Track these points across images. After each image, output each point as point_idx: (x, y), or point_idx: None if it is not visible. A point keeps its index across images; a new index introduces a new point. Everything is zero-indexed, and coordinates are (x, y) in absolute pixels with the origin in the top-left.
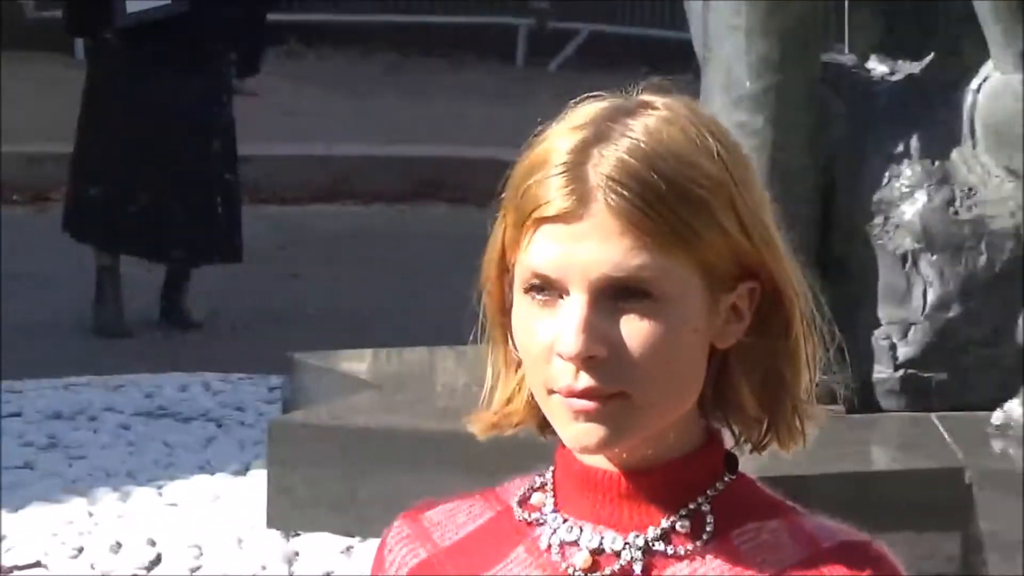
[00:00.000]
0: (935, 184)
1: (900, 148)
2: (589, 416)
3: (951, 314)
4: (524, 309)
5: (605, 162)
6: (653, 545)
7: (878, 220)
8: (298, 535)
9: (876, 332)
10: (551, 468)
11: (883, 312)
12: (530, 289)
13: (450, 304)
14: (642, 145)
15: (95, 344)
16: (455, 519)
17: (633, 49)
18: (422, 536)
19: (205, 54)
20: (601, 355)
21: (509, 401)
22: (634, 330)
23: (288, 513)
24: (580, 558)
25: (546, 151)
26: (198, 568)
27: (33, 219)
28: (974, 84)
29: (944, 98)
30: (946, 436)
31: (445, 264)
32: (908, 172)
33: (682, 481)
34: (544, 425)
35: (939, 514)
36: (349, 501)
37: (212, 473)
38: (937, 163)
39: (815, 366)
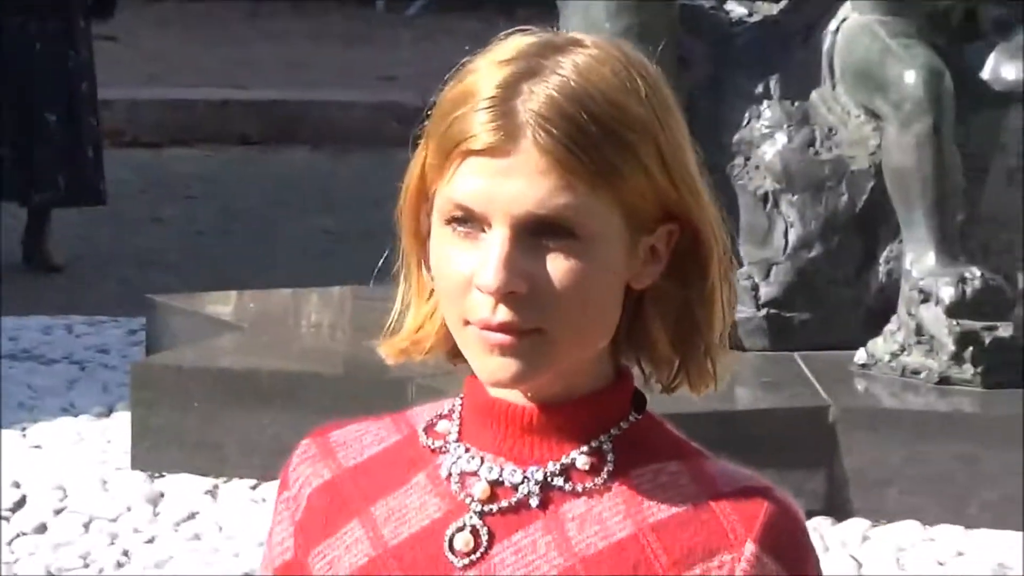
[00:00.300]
0: (795, 125)
1: (759, 89)
2: (504, 350)
3: (813, 254)
4: (443, 240)
5: (534, 98)
6: (552, 480)
7: (738, 161)
8: (162, 476)
9: (738, 272)
10: (460, 396)
11: (745, 252)
12: (451, 220)
13: (312, 246)
14: (572, 83)
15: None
16: (361, 440)
17: None
18: (327, 456)
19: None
20: (521, 291)
21: (420, 328)
22: (555, 268)
23: (152, 455)
24: (478, 488)
25: (473, 84)
26: (62, 509)
27: None
28: (832, 25)
29: (803, 39)
30: (809, 375)
31: (305, 207)
32: (768, 113)
33: (587, 418)
34: (454, 354)
35: (803, 452)
36: (213, 443)
37: (76, 415)
38: (797, 104)
39: (729, 310)
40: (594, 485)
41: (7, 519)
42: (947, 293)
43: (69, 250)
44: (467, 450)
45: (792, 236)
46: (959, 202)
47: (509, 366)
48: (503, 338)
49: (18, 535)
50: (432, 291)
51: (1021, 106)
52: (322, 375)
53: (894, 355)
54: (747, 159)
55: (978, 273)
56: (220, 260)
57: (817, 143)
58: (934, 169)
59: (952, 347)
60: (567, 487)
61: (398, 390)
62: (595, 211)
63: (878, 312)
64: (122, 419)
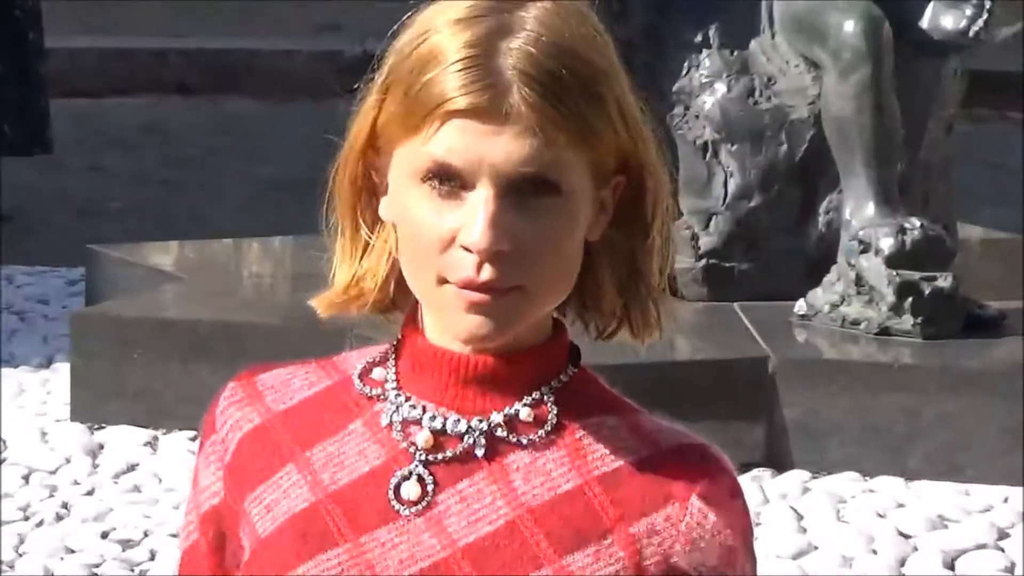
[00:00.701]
0: (734, 74)
1: (699, 38)
2: (483, 308)
3: (752, 204)
4: (418, 197)
5: (514, 55)
6: (496, 431)
7: (678, 110)
8: (102, 428)
9: (677, 223)
10: (391, 343)
11: (684, 202)
12: (429, 178)
13: (252, 195)
14: (544, 39)
15: None
16: (290, 384)
17: None
18: (256, 399)
19: None
20: (507, 249)
21: (355, 282)
22: (541, 226)
23: (92, 406)
24: (422, 437)
25: (438, 44)
26: (2, 461)
27: None
28: None
29: None
30: (749, 326)
31: (245, 156)
32: (707, 62)
33: (529, 370)
34: (387, 308)
35: (743, 404)
36: (153, 394)
37: (15, 366)
38: (736, 53)
39: (670, 258)
40: (538, 437)
41: None
42: (887, 243)
43: (9, 199)
44: (407, 399)
45: (731, 186)
46: (898, 152)
47: (486, 324)
48: (484, 297)
49: None
50: (366, 245)
51: (959, 56)
52: (262, 325)
53: (834, 306)
54: (687, 109)
55: (917, 223)
56: (161, 210)
57: (756, 92)
58: (873, 119)
59: (891, 297)
60: (511, 438)
61: (337, 340)
62: (574, 166)
63: (818, 262)
64: (62, 370)
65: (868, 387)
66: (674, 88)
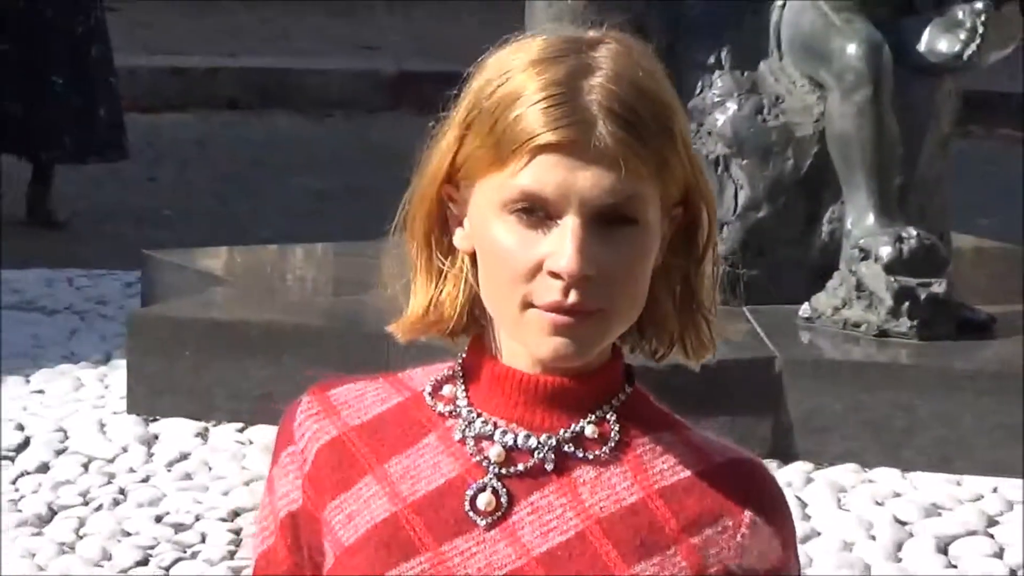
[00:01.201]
0: (745, 93)
1: (712, 60)
2: (568, 330)
3: (760, 214)
4: (505, 227)
5: (597, 92)
6: (563, 447)
7: (692, 127)
8: (156, 420)
9: None
10: (457, 362)
11: None
12: (517, 210)
13: (296, 204)
14: (622, 76)
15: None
16: (363, 399)
17: None
18: (331, 413)
19: None
20: (593, 275)
21: (435, 308)
22: (621, 254)
23: (146, 400)
24: (494, 452)
25: (521, 83)
26: (63, 450)
27: None
28: (779, 1)
29: (752, 13)
30: (757, 328)
31: (288, 168)
32: (720, 82)
33: (594, 390)
34: (458, 333)
35: (752, 400)
36: (203, 389)
37: (76, 362)
38: (746, 74)
39: (719, 283)
40: (602, 453)
41: (11, 459)
42: (885, 251)
43: (70, 207)
44: (479, 415)
45: (742, 198)
46: (897, 167)
47: (570, 345)
48: (569, 320)
49: (22, 474)
50: (440, 272)
51: (953, 77)
52: (304, 326)
53: (836, 309)
54: (700, 125)
55: (914, 233)
56: (211, 218)
57: (765, 111)
58: (873, 136)
59: (890, 302)
60: (578, 454)
61: (376, 342)
62: (651, 199)
63: (821, 269)
64: (119, 366)
65: (867, 385)
66: (689, 106)
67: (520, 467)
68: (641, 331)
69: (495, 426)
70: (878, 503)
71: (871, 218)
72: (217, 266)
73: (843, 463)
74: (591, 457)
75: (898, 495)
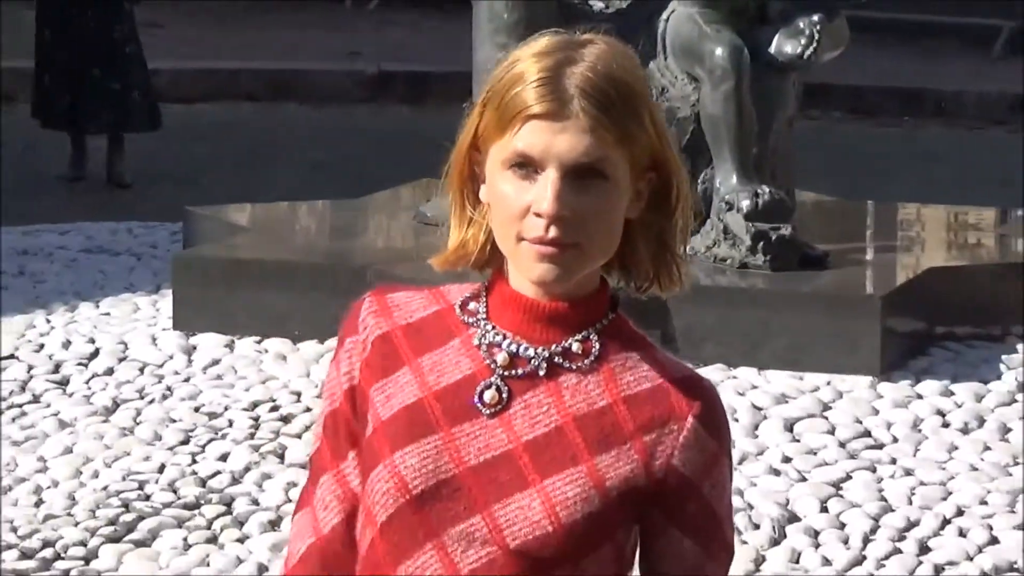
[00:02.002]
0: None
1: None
2: (551, 259)
3: None
4: (505, 180)
5: (576, 78)
6: (554, 358)
7: None
8: (194, 335)
9: None
10: (483, 285)
11: None
12: (512, 166)
13: (300, 172)
14: (598, 68)
15: (58, 195)
16: (410, 305)
17: None
18: (386, 312)
19: None
20: (567, 216)
21: (463, 246)
22: (592, 201)
23: (187, 319)
24: (501, 357)
25: (523, 70)
26: (124, 358)
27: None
28: (664, 15)
29: (645, 25)
30: None
31: (295, 145)
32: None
33: (580, 314)
34: (483, 266)
35: (646, 317)
36: (229, 311)
37: (134, 292)
38: (651, 13)
39: (688, 233)
40: (584, 365)
41: (85, 365)
42: (745, 204)
43: (134, 172)
44: (493, 327)
45: None
46: (753, 140)
47: (553, 271)
48: (551, 250)
49: (93, 376)
50: (470, 219)
51: (796, 72)
52: (307, 263)
53: (708, 248)
54: None
55: (767, 190)
56: (235, 182)
57: (655, 98)
58: (736, 117)
59: (748, 242)
60: (565, 364)
61: (360, 274)
62: (618, 161)
63: (698, 217)
64: (166, 295)
65: (732, 305)
66: None
67: (519, 371)
68: (625, 271)
69: (504, 337)
70: (739, 394)
71: (734, 179)
72: (240, 218)
73: (714, 364)
74: (575, 367)
75: (755, 387)
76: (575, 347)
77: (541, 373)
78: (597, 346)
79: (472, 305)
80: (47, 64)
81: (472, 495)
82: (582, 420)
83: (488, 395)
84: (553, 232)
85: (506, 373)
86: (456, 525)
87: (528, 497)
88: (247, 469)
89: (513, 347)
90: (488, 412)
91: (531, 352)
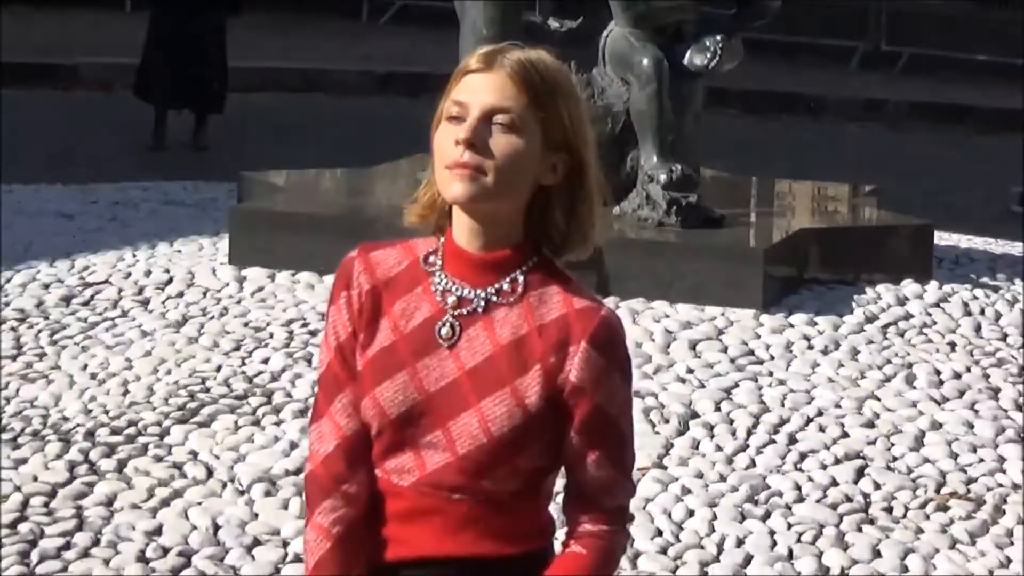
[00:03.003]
0: (585, 86)
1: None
2: (461, 179)
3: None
4: (443, 129)
5: (507, 60)
6: (490, 298)
7: None
8: (244, 268)
9: None
10: (440, 241)
11: None
12: (450, 117)
13: (326, 145)
14: (528, 58)
15: (144, 160)
16: (388, 261)
17: (432, 12)
18: (370, 269)
19: (206, 2)
20: (478, 143)
21: (428, 206)
22: (500, 142)
23: (239, 257)
24: (451, 300)
25: (472, 57)
26: (191, 284)
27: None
28: (605, 33)
29: (590, 41)
30: None
31: (322, 125)
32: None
33: (509, 261)
34: (437, 230)
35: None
36: (271, 250)
37: (200, 235)
38: (586, 75)
39: (599, 207)
40: (511, 301)
41: (162, 289)
42: (663, 177)
43: (209, 141)
44: (446, 276)
45: None
46: (670, 130)
47: (463, 188)
48: (462, 171)
49: (167, 297)
50: (429, 186)
51: (703, 78)
52: (330, 215)
53: (634, 210)
54: None
55: (679, 167)
56: (276, 153)
57: (596, 96)
58: (657, 112)
59: (664, 206)
60: (498, 300)
61: (370, 224)
62: (529, 123)
63: (627, 187)
64: (224, 237)
65: (651, 254)
66: None
67: (465, 310)
68: (547, 237)
69: (453, 283)
70: (656, 320)
71: (655, 158)
72: (280, 181)
73: (637, 298)
74: (505, 303)
75: (667, 316)
76: (505, 286)
77: (480, 310)
78: (522, 285)
79: (431, 259)
80: (153, 58)
81: (433, 415)
82: (507, 348)
83: (444, 331)
84: (466, 156)
85: (456, 312)
86: (424, 437)
87: (469, 415)
88: (283, 370)
89: (460, 291)
90: (445, 345)
91: (472, 294)
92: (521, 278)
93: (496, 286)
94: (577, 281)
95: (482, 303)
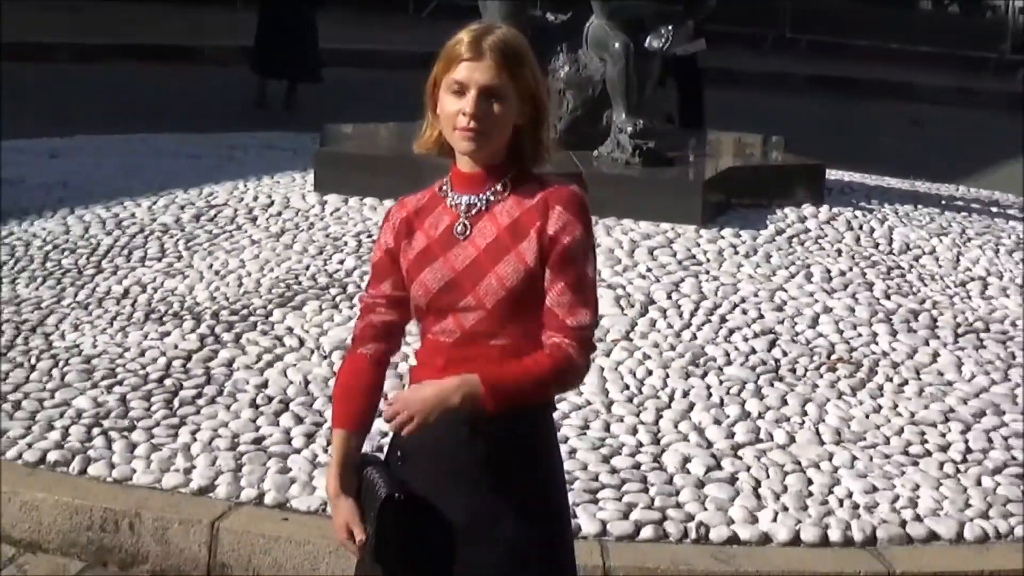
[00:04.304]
0: (573, 63)
1: (560, 50)
2: (469, 138)
3: (578, 114)
4: (449, 99)
5: (489, 42)
6: (489, 199)
7: (556, 74)
8: (326, 195)
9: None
10: (447, 177)
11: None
12: (452, 91)
13: (379, 108)
14: (502, 38)
15: (251, 116)
16: (414, 200)
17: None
18: (403, 208)
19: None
20: (478, 114)
21: (430, 138)
22: (493, 110)
23: (322, 185)
24: (462, 207)
25: (459, 39)
26: (287, 206)
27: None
28: (587, 24)
29: (577, 31)
30: (577, 163)
31: (376, 88)
32: (562, 59)
33: (496, 173)
34: (442, 152)
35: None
36: (346, 181)
37: (293, 170)
38: (572, 55)
39: (551, 131)
40: (503, 198)
41: (265, 209)
42: (629, 129)
43: (300, 103)
44: (455, 194)
45: (569, 106)
46: (636, 95)
47: (470, 144)
48: (469, 133)
49: (270, 216)
50: (433, 125)
51: (658, 57)
52: (387, 156)
53: (608, 152)
54: (555, 75)
55: (641, 122)
56: (348, 111)
57: (580, 69)
58: (625, 81)
59: (631, 150)
60: (494, 199)
61: (416, 163)
62: (509, 91)
63: (603, 137)
64: (310, 172)
65: (621, 185)
66: (549, 68)
67: (472, 212)
68: (521, 156)
69: (461, 196)
70: (624, 233)
71: (624, 115)
72: (349, 131)
73: (609, 217)
74: (499, 200)
75: (632, 230)
76: (498, 188)
77: (483, 209)
78: (509, 187)
79: (443, 187)
80: (261, 42)
81: (463, 285)
82: (507, 228)
83: (459, 229)
84: (472, 124)
85: (466, 215)
86: (459, 303)
87: (489, 277)
88: (354, 268)
89: (467, 200)
90: (462, 238)
91: (475, 199)
92: (509, 182)
93: (491, 190)
94: (548, 176)
95: (484, 203)
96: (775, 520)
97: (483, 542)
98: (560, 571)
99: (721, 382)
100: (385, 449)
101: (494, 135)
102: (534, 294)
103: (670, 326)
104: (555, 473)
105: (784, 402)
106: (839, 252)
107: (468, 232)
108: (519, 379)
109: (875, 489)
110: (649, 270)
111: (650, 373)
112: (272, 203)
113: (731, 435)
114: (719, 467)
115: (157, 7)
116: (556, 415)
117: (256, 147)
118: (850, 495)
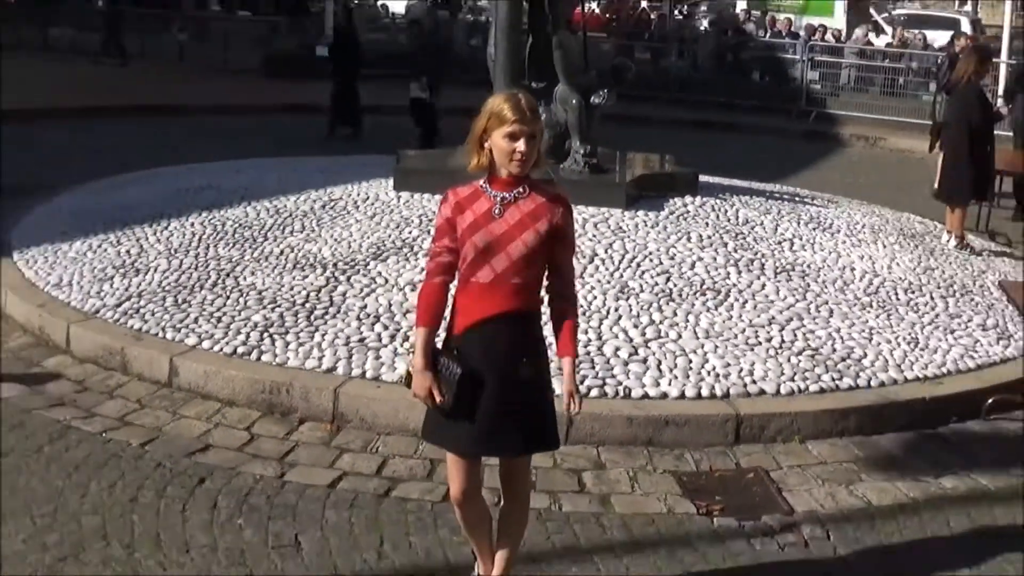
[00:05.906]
0: (547, 112)
1: (540, 104)
2: (519, 166)
3: (552, 143)
4: (504, 141)
5: (523, 103)
6: (516, 195)
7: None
8: (402, 192)
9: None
10: (486, 178)
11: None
12: (506, 136)
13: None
14: (528, 100)
15: (322, 146)
16: (463, 191)
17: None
18: (456, 196)
19: (353, 72)
20: (525, 152)
21: (482, 164)
22: (533, 148)
23: (399, 186)
24: (497, 199)
25: (503, 101)
26: (376, 200)
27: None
28: (556, 89)
29: (550, 93)
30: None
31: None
32: (542, 111)
33: (521, 180)
34: (487, 172)
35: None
36: (416, 184)
37: (378, 177)
38: (548, 107)
39: (544, 158)
40: (523, 195)
41: (362, 202)
42: (581, 151)
43: (375, 130)
44: (493, 191)
45: (565, 120)
46: (585, 132)
47: (520, 169)
48: (519, 165)
49: (367, 205)
50: (479, 157)
51: (599, 108)
52: (446, 168)
53: (568, 167)
54: (548, 105)
55: (588, 147)
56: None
57: (552, 116)
58: (579, 124)
59: (583, 164)
60: (518, 196)
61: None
62: (538, 134)
63: (566, 156)
64: (391, 179)
65: (576, 186)
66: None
67: (504, 202)
68: (532, 168)
69: (497, 193)
70: (579, 215)
71: (578, 143)
72: (411, 153)
73: (577, 205)
74: (521, 198)
75: (581, 214)
76: (521, 190)
77: (511, 201)
78: (527, 189)
79: (484, 185)
80: (334, 101)
81: (500, 245)
82: (528, 214)
83: (496, 211)
84: (522, 159)
85: (501, 203)
86: (494, 257)
87: (516, 241)
88: (419, 236)
89: (502, 195)
90: (498, 217)
91: (507, 195)
92: (527, 186)
93: (516, 191)
94: (545, 182)
95: (512, 198)
96: (670, 384)
97: (510, 393)
98: (550, 407)
99: (638, 302)
100: (440, 345)
101: (532, 163)
102: (541, 254)
103: (607, 271)
104: (544, 357)
105: (675, 314)
106: (707, 224)
107: (502, 214)
108: (575, 333)
109: (728, 365)
110: (592, 237)
111: (595, 297)
112: (367, 197)
113: (644, 334)
114: (636, 353)
115: (277, 82)
116: None
117: (354, 164)
118: (714, 369)
